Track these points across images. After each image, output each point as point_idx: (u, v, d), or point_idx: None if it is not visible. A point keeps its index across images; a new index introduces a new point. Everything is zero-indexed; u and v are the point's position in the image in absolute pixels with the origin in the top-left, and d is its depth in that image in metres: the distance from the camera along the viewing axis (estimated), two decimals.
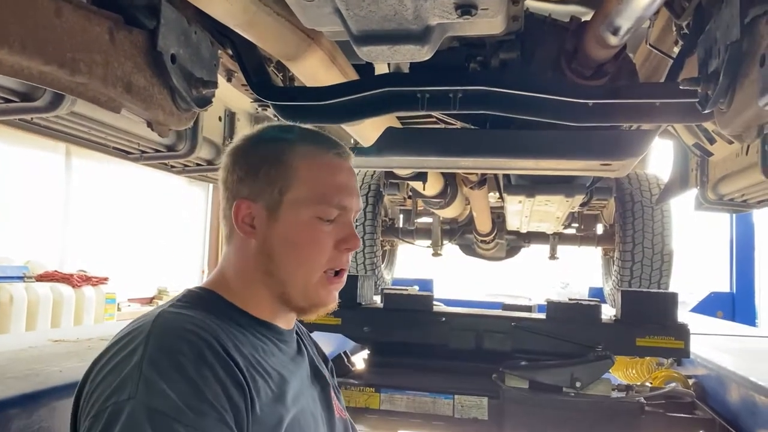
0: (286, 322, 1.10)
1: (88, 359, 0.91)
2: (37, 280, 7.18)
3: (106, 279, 7.84)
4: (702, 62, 1.52)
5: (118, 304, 8.24)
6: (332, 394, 1.17)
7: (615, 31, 1.46)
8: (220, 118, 3.01)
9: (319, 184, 1.04)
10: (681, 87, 1.47)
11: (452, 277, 8.72)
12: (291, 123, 1.18)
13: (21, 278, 7.03)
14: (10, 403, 1.40)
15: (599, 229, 5.48)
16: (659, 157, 4.69)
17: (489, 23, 1.35)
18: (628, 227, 4.59)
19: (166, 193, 10.24)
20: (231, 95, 2.53)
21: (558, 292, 9.45)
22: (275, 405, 0.94)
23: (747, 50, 1.29)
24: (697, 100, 1.50)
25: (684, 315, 5.54)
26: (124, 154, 2.63)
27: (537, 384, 2.27)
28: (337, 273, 1.06)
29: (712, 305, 6.23)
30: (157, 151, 2.66)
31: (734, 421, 2.17)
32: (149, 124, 1.63)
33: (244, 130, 3.05)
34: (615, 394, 2.28)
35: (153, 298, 9.80)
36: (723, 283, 6.58)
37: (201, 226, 11.52)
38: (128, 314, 8.27)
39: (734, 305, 6.23)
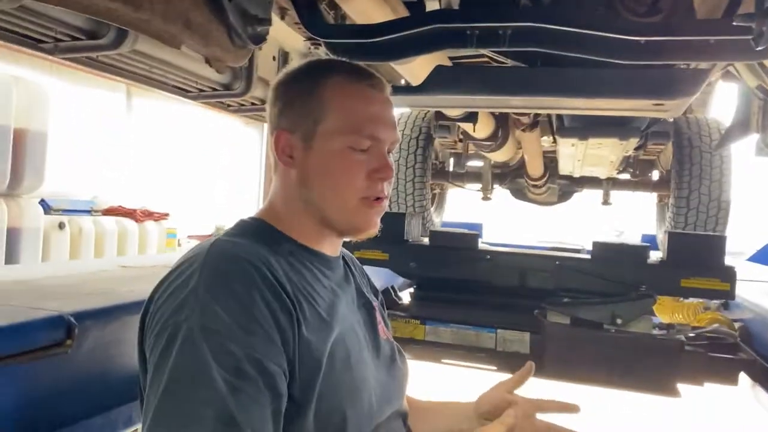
0: (332, 248, 1.14)
1: (153, 282, 0.99)
2: (103, 215, 7.56)
3: (167, 215, 8.18)
4: None
5: (179, 240, 8.60)
6: (378, 318, 1.21)
7: None
8: (273, 58, 3.06)
9: (351, 115, 1.06)
10: (735, 23, 1.44)
11: (502, 223, 8.69)
12: (332, 57, 1.24)
13: (89, 212, 7.41)
14: (87, 315, 1.54)
15: (655, 174, 5.35)
16: (722, 101, 4.53)
17: None
18: (685, 173, 4.48)
19: (222, 134, 10.47)
20: (284, 35, 2.57)
21: (611, 240, 9.32)
22: (321, 326, 0.98)
23: None
24: (752, 37, 1.47)
25: (740, 263, 5.46)
26: (182, 92, 2.73)
27: (578, 320, 2.32)
28: (377, 199, 1.08)
29: None
30: (214, 89, 2.75)
31: None
32: (207, 60, 1.70)
33: None
34: (656, 332, 2.32)
35: (211, 235, 10.13)
36: None
37: (256, 167, 11.76)
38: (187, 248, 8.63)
39: None
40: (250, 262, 0.93)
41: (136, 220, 7.72)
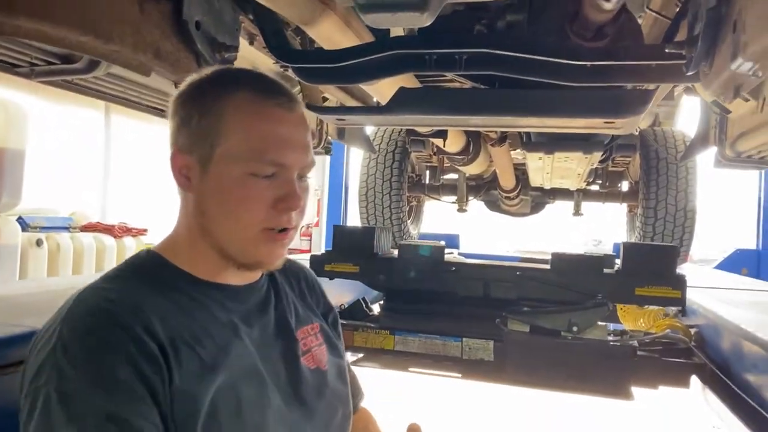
0: (241, 278, 1.03)
1: None
2: (81, 231, 7.55)
3: (145, 230, 8.18)
4: (690, 26, 1.61)
5: None
6: (307, 346, 1.09)
7: None
8: None
9: (253, 137, 0.94)
10: (666, 50, 1.56)
11: (479, 233, 8.81)
12: (239, 67, 1.11)
13: (67, 228, 7.40)
14: None
15: (624, 185, 5.50)
16: (688, 113, 4.68)
17: None
18: (652, 184, 4.62)
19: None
20: (257, 55, 2.67)
21: (590, 250, 9.48)
22: (201, 373, 0.89)
23: (724, 15, 1.38)
24: (684, 62, 1.60)
25: (706, 271, 5.61)
26: (158, 111, 2.81)
27: (537, 328, 2.42)
28: (282, 231, 0.97)
29: (737, 262, 6.24)
30: None
31: (725, 367, 2.30)
32: (176, 85, 1.79)
33: None
34: (610, 339, 2.43)
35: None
36: (750, 241, 6.56)
37: None
38: None
39: (759, 262, 6.23)
40: (113, 313, 0.86)
41: (115, 236, 7.72)
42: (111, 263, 7.56)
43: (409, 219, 5.58)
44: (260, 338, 1.02)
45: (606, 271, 2.57)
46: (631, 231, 5.66)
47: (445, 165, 5.33)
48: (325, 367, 1.10)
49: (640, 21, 2.13)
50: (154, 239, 8.54)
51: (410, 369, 2.65)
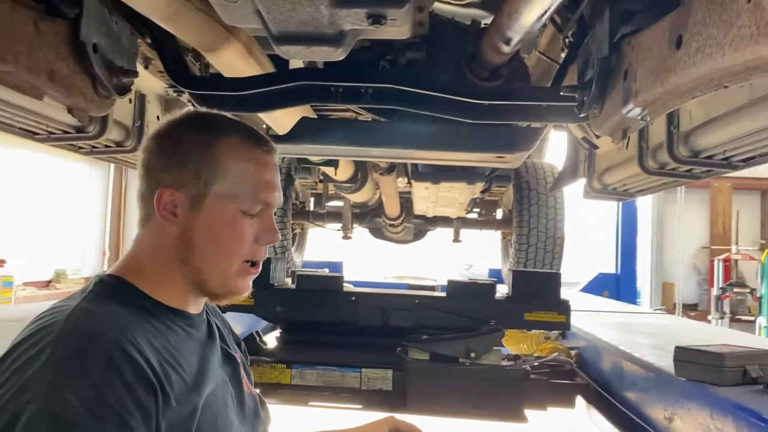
0: (196, 306, 1.10)
1: None
2: None
3: (2, 262, 7.48)
4: (580, 71, 1.74)
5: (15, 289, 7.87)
6: (242, 372, 1.18)
7: (507, 42, 1.65)
8: (130, 100, 2.99)
9: (247, 181, 1.05)
10: (561, 93, 1.68)
11: (361, 260, 8.90)
12: (220, 113, 1.18)
13: None
14: None
15: (499, 213, 5.79)
16: (555, 147, 5.04)
17: (397, 30, 1.50)
18: (524, 212, 4.90)
19: (64, 175, 9.80)
20: (141, 77, 2.56)
21: (461, 273, 9.86)
22: (189, 395, 0.94)
23: (615, 65, 1.51)
24: (576, 104, 1.72)
25: (574, 294, 6.03)
26: (30, 134, 2.59)
27: (437, 355, 2.48)
28: (254, 263, 1.08)
29: (599, 285, 6.76)
30: (66, 132, 2.64)
31: (606, 385, 2.48)
32: (69, 110, 1.67)
33: (154, 111, 3.08)
34: (505, 363, 2.54)
35: (50, 281, 9.39)
36: (610, 265, 7.14)
37: (101, 207, 11.11)
38: (23, 298, 7.92)
39: (619, 285, 6.79)
40: (110, 337, 0.87)
41: None
42: None
43: (293, 246, 5.52)
44: (215, 364, 1.09)
45: (497, 297, 2.69)
46: (506, 257, 5.96)
47: (329, 192, 5.35)
48: (253, 393, 1.20)
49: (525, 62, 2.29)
50: (12, 270, 7.82)
51: (310, 403, 2.60)
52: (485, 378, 2.44)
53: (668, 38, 1.20)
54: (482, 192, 4.75)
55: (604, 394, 2.42)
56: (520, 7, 1.40)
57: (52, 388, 0.80)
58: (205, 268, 1.04)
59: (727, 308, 9.49)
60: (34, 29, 1.37)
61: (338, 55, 1.53)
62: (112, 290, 1.00)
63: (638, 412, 2.09)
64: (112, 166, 10.46)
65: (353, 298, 2.71)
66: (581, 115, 1.69)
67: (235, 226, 1.04)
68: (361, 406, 2.55)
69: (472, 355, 2.43)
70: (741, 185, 10.69)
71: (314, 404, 2.62)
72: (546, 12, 1.40)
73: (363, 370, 2.54)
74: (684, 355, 1.83)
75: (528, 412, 2.50)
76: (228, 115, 1.17)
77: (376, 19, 1.38)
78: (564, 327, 2.62)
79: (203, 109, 1.27)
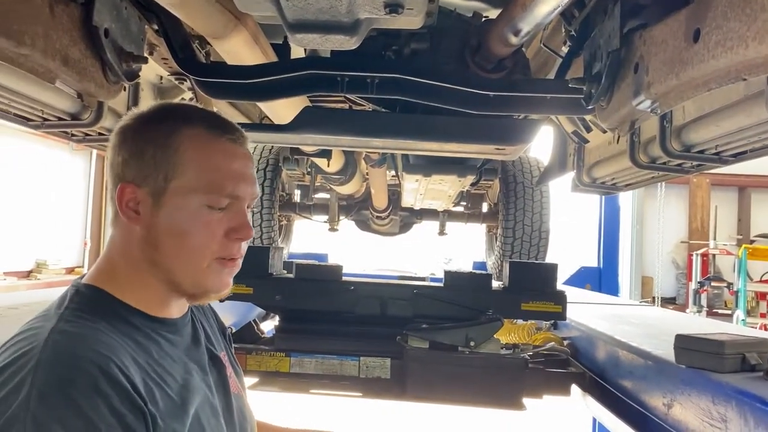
0: (179, 309, 1.06)
1: None
2: None
3: None
4: (587, 64, 1.77)
5: None
6: (228, 372, 1.13)
7: (516, 33, 1.67)
8: (124, 89, 2.97)
9: (209, 172, 0.98)
10: (569, 85, 1.71)
11: (345, 252, 8.90)
12: (186, 102, 1.17)
13: None
14: None
15: (485, 207, 5.84)
16: (540, 141, 5.09)
17: (411, 20, 1.51)
18: (511, 206, 4.95)
19: (45, 164, 9.64)
20: (150, 65, 2.54)
21: (441, 266, 9.90)
22: (176, 412, 0.91)
23: (624, 58, 1.54)
24: (583, 96, 1.75)
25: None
26: (24, 120, 2.56)
27: (436, 344, 2.51)
28: (231, 259, 1.01)
29: (582, 278, 6.86)
30: (60, 119, 2.61)
31: (601, 374, 2.53)
32: (79, 95, 1.66)
33: (147, 100, 3.06)
34: (504, 352, 2.58)
35: (31, 272, 9.25)
36: (592, 259, 7.25)
37: (83, 197, 10.96)
38: (5, 288, 7.79)
39: (601, 278, 6.90)
40: (93, 361, 0.83)
41: None
42: None
43: (279, 238, 5.51)
44: (201, 370, 1.05)
45: (494, 288, 2.73)
46: (490, 249, 6.01)
47: (316, 184, 5.35)
48: (240, 392, 1.17)
49: None
50: None
51: (311, 391, 2.62)
52: (484, 366, 2.48)
53: (684, 32, 1.23)
54: (471, 185, 4.78)
55: (601, 382, 2.47)
56: None
57: (39, 425, 0.77)
58: (174, 269, 0.98)
59: (704, 302, 9.70)
60: (50, 12, 1.36)
61: (352, 44, 1.54)
62: (90, 303, 0.95)
63: (636, 398, 2.14)
64: (94, 155, 10.34)
65: (352, 287, 2.73)
66: (589, 107, 1.72)
67: (199, 222, 0.97)
68: (360, 394, 2.57)
69: (472, 343, 2.47)
70: (719, 181, 10.90)
71: (316, 391, 2.64)
72: (561, 4, 1.42)
73: (361, 358, 2.56)
74: (685, 343, 1.88)
75: (524, 401, 2.54)
76: (196, 105, 1.13)
77: (393, 8, 1.39)
78: (560, 317, 2.67)
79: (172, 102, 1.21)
